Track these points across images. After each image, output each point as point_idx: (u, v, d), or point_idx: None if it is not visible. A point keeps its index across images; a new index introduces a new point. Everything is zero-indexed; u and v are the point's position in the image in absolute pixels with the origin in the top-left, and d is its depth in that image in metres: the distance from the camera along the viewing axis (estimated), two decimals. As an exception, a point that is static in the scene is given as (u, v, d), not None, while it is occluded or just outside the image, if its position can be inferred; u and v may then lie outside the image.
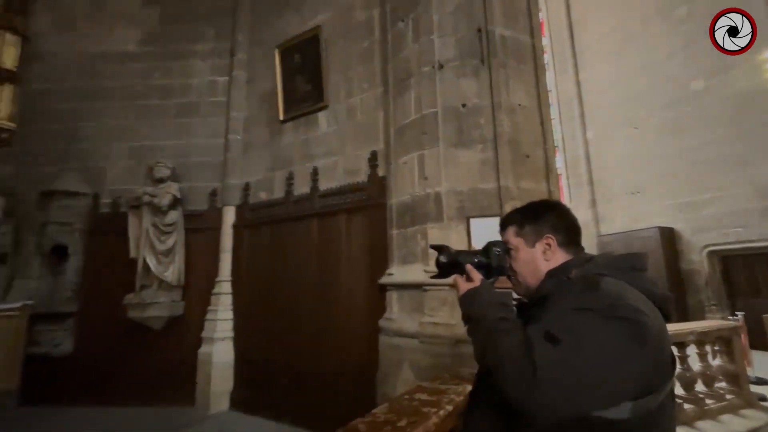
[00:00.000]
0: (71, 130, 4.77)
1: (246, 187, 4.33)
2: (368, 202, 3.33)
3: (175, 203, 4.15)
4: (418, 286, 2.46)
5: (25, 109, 4.74)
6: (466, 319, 0.97)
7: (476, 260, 1.03)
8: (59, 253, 4.47)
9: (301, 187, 3.86)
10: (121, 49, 4.98)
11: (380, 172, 3.29)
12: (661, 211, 6.02)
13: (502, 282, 1.06)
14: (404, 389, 2.39)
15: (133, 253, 4.10)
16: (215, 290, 4.17)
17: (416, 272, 2.51)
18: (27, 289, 4.42)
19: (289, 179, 3.94)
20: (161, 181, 4.19)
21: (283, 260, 3.81)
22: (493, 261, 1.03)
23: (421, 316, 2.42)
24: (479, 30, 2.57)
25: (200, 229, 4.35)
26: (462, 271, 1.03)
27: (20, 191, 4.55)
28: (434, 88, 2.63)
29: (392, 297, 2.70)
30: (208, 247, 4.32)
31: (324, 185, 3.70)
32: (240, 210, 4.33)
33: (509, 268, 1.03)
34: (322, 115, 3.82)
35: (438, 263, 1.07)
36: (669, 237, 5.82)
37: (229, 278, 4.20)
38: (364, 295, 3.22)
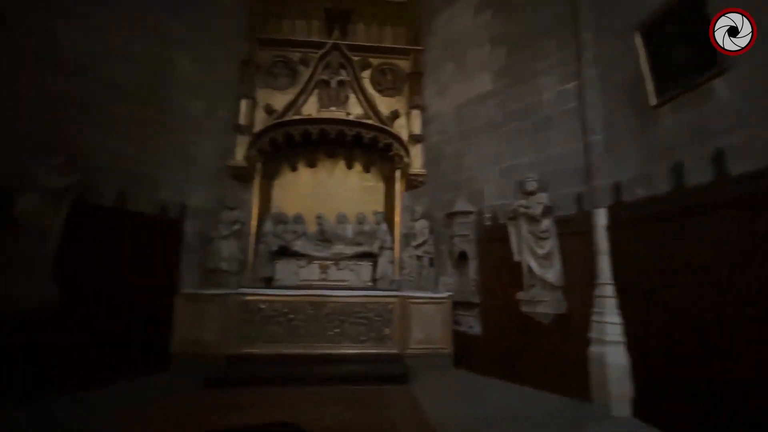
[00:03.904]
0: (457, 165, 6.37)
1: (616, 186, 4.12)
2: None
3: (547, 212, 4.58)
4: None
5: (429, 157, 6.83)
6: None
7: None
8: (462, 257, 6.02)
9: (696, 176, 3.24)
10: (480, 91, 6.16)
11: None
12: None
13: None
14: None
15: (516, 257, 4.86)
16: (597, 293, 4.19)
17: None
18: (446, 283, 6.22)
19: (676, 169, 3.40)
20: (531, 193, 4.76)
21: (685, 262, 3.29)
22: None
23: None
24: None
25: (571, 233, 4.55)
26: None
27: (434, 215, 6.52)
28: None
29: None
30: (580, 250, 4.42)
31: (735, 170, 2.93)
32: (613, 210, 4.17)
33: None
34: (719, 83, 3.06)
35: None
36: None
37: (611, 281, 4.10)
38: None
